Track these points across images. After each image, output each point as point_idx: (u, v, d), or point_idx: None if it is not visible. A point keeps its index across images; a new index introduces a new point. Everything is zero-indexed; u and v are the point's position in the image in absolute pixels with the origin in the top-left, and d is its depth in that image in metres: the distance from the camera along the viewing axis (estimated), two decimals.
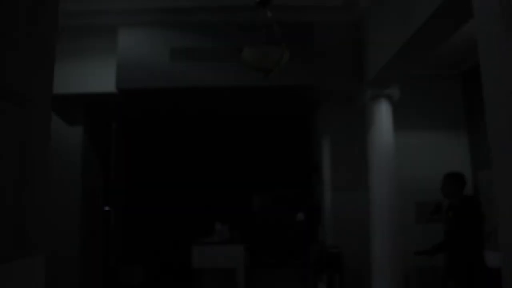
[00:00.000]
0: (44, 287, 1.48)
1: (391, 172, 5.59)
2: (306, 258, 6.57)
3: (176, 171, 7.97)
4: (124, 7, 5.52)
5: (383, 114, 5.66)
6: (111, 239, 7.42)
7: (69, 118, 6.27)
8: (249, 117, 7.74)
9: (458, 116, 6.62)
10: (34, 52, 1.52)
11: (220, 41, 5.45)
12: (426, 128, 6.48)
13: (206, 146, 8.02)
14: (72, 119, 6.28)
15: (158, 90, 5.57)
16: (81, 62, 5.74)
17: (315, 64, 5.57)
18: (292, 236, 7.19)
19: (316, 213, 6.81)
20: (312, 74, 5.54)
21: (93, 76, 5.72)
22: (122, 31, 5.52)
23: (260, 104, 6.79)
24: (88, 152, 6.45)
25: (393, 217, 5.48)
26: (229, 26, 5.43)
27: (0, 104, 1.28)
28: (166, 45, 5.45)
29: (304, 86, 5.63)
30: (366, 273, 5.57)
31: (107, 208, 7.34)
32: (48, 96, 1.61)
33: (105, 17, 5.65)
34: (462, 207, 4.19)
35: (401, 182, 5.67)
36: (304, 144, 7.87)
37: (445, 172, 4.58)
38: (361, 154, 5.98)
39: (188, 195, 7.81)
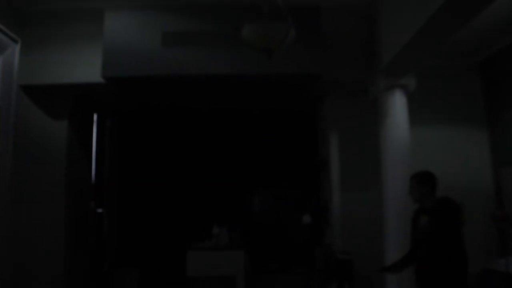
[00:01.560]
0: None
1: (407, 170, 5.02)
2: (311, 264, 6.20)
3: (171, 169, 7.64)
4: None
5: (397, 107, 5.29)
6: (104, 241, 7.19)
7: (53, 112, 5.87)
8: (251, 111, 7.32)
9: (477, 110, 6.25)
10: None
11: (217, 24, 5.03)
12: (443, 122, 6.13)
13: (203, 142, 7.64)
14: (57, 112, 5.88)
15: (149, 79, 5.14)
16: (65, 49, 5.39)
17: (322, 51, 5.16)
18: (297, 240, 6.78)
19: (323, 215, 6.46)
20: (319, 62, 5.12)
21: (78, 64, 5.36)
22: (109, 15, 5.10)
23: (262, 96, 6.34)
24: (74, 148, 6.08)
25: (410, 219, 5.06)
26: (228, 7, 5.01)
27: None
28: (158, 29, 5.03)
29: (310, 75, 5.21)
30: (378, 281, 5.18)
31: (99, 210, 7.09)
32: None
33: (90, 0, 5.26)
34: (438, 209, 3.57)
35: None
36: (310, 140, 7.46)
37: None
38: (373, 151, 5.62)
39: (185, 194, 7.48)
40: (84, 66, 5.32)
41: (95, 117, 7.15)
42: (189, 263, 5.66)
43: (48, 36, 5.39)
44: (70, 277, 5.71)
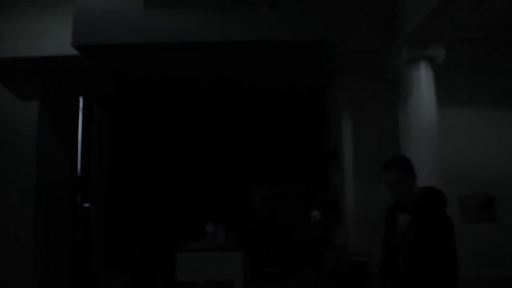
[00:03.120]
0: None
1: (434, 159, 4.64)
2: (320, 267, 5.75)
3: (164, 161, 7.11)
4: None
5: (422, 83, 4.77)
6: (91, 239, 6.75)
7: (22, 91, 5.30)
8: (250, 91, 6.63)
9: None
10: None
11: None
12: (474, 103, 5.55)
13: (198, 131, 7.06)
14: (26, 92, 5.32)
15: (129, 48, 4.52)
16: (32, 17, 4.91)
17: (335, 15, 4.60)
18: (303, 240, 6.35)
19: (333, 211, 5.96)
20: (332, 27, 4.54)
21: (48, 34, 4.88)
22: None
23: (264, 70, 5.64)
24: (48, 134, 5.53)
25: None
26: None
27: None
28: None
29: (322, 43, 4.58)
30: None
31: (86, 205, 6.71)
32: None
33: None
34: (425, 205, 2.71)
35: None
36: (318, 125, 6.89)
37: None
38: (392, 137, 5.12)
39: (179, 188, 6.97)
40: (55, 36, 4.82)
41: (81, 102, 6.70)
42: (180, 266, 4.99)
43: (11, 2, 4.87)
44: (43, 277, 5.23)
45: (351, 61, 5.42)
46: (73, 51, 4.63)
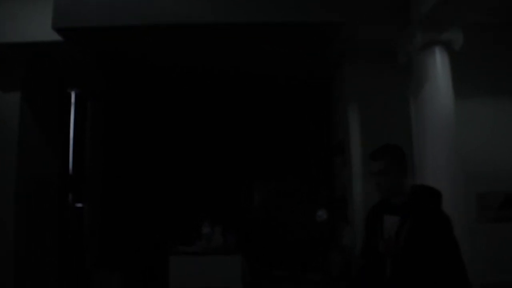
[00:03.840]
0: None
1: (451, 153, 4.32)
2: (326, 270, 5.52)
3: (160, 158, 6.92)
4: None
5: (438, 70, 4.42)
6: (84, 240, 6.61)
7: (1, 81, 4.96)
8: (250, 80, 6.28)
9: None
10: None
11: None
12: (493, 93, 5.19)
13: (195, 125, 6.81)
14: (6, 82, 4.97)
15: (113, 31, 4.15)
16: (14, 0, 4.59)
17: None
18: (308, 241, 6.06)
19: (340, 210, 5.69)
20: (338, 7, 4.19)
21: (29, 19, 4.52)
22: None
23: (265, 57, 5.28)
24: (32, 128, 5.19)
25: (455, 215, 4.12)
26: None
27: None
28: None
29: (326, 25, 4.24)
30: None
31: (79, 205, 6.59)
32: None
33: None
34: (420, 205, 2.28)
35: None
36: (324, 117, 6.58)
37: None
38: (405, 129, 4.83)
39: (176, 186, 6.76)
40: (36, 21, 4.46)
41: (73, 97, 6.50)
42: (172, 271, 4.66)
43: None
44: (25, 278, 4.93)
45: (359, 47, 5.12)
46: (56, 37, 4.28)
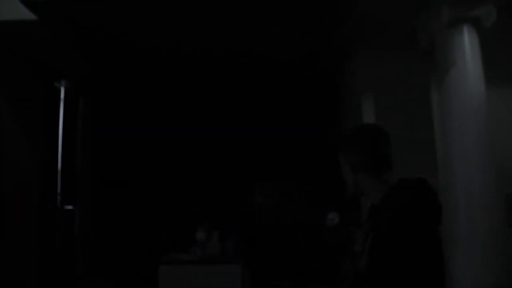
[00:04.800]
0: None
1: (482, 149, 3.83)
2: (336, 280, 5.20)
3: (152, 154, 6.68)
4: None
5: (467, 53, 3.89)
6: (74, 245, 6.31)
7: None
8: (250, 67, 5.77)
9: None
10: None
11: None
12: None
13: (191, 115, 6.52)
14: None
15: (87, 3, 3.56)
16: None
17: None
18: (316, 248, 5.71)
19: (353, 213, 5.27)
20: None
21: None
22: None
23: (266, 39, 4.80)
24: (7, 124, 4.81)
25: (485, 219, 3.78)
26: None
27: None
28: None
29: (335, 2, 3.83)
30: None
31: (69, 207, 6.21)
32: None
33: None
34: (390, 209, 1.62)
35: None
36: (332, 109, 6.18)
37: None
38: (426, 121, 4.44)
39: (170, 186, 6.49)
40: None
41: (62, 93, 6.06)
42: (162, 283, 4.21)
43: None
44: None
45: (373, 27, 4.60)
46: (30, 15, 3.85)
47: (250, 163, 6.43)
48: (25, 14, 3.90)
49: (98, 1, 3.58)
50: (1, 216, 4.68)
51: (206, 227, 4.55)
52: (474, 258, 3.72)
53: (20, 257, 4.99)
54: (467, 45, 3.86)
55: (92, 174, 6.80)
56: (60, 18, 4.06)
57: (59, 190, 6.03)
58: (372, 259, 1.59)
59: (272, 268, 5.93)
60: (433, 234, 1.56)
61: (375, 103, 4.94)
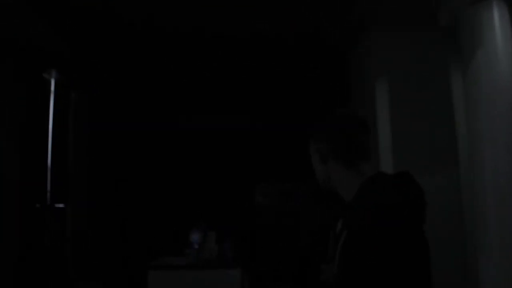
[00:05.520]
0: None
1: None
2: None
3: (148, 151, 6.34)
4: None
5: (496, 31, 3.47)
6: (65, 246, 6.06)
7: None
8: (250, 48, 5.33)
9: None
10: None
11: None
12: None
13: (188, 110, 6.16)
14: None
15: None
16: None
17: None
18: (322, 252, 5.10)
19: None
20: None
21: None
22: None
23: (268, 17, 4.36)
24: None
25: None
26: None
27: None
28: None
29: None
30: None
31: (60, 205, 5.96)
32: None
33: None
34: (360, 208, 1.39)
35: None
36: (343, 96, 5.69)
37: None
38: (447, 109, 4.19)
39: (167, 186, 6.13)
40: None
41: (52, 85, 5.75)
42: None
43: None
44: None
45: (388, 4, 4.19)
46: None
47: (249, 160, 6.05)
48: None
49: None
50: None
51: (201, 227, 4.13)
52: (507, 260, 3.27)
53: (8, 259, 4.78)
54: (497, 23, 3.45)
55: (85, 171, 6.50)
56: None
57: (48, 187, 6.01)
58: (344, 266, 1.37)
59: (272, 271, 5.60)
60: (415, 236, 1.33)
61: (390, 89, 4.48)
